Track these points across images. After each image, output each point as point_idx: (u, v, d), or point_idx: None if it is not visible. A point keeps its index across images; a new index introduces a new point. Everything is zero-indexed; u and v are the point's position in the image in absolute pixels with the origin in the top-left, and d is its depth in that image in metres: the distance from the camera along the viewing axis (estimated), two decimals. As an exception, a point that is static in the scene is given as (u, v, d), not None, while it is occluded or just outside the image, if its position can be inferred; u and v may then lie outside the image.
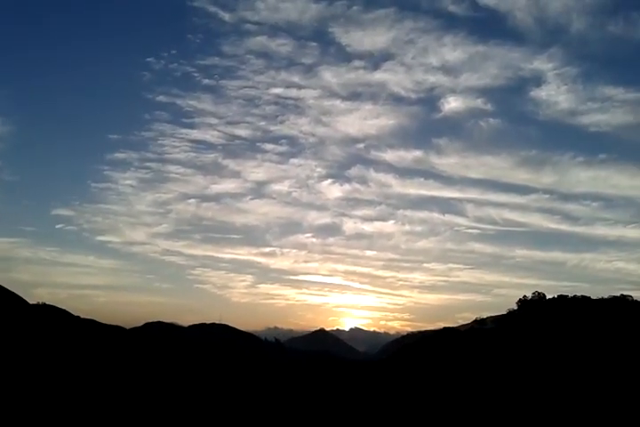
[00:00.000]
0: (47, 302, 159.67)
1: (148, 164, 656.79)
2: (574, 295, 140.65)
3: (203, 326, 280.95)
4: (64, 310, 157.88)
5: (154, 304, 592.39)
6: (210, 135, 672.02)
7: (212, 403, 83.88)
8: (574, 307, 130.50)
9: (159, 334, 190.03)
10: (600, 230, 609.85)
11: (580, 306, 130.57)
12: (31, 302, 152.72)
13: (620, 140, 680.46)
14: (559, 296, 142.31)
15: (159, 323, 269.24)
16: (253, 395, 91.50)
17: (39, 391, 72.88)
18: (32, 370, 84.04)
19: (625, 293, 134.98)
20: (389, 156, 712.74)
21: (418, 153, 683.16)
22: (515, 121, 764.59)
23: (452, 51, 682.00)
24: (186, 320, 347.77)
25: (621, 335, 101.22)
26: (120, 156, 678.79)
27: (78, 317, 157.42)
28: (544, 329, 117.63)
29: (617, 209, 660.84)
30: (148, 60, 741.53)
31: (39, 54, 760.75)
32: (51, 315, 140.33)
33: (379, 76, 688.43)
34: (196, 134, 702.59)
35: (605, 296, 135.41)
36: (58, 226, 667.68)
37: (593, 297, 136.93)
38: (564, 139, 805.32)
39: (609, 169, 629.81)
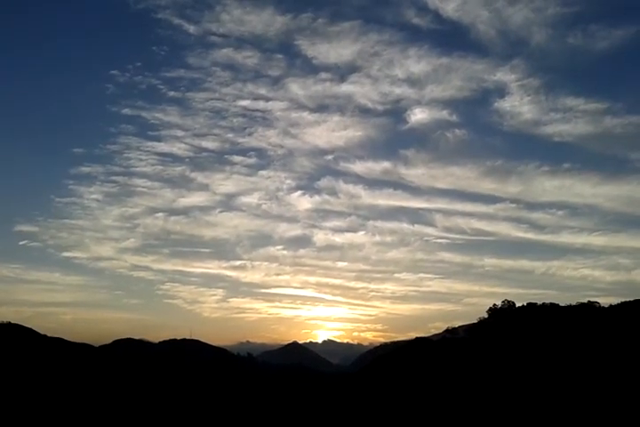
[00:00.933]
0: (12, 321, 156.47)
1: (113, 177, 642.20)
2: (543, 303, 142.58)
3: (173, 341, 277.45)
4: (30, 329, 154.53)
5: (123, 321, 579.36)
6: (177, 148, 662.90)
7: (185, 419, 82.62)
8: (543, 314, 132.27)
9: (129, 352, 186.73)
10: (566, 238, 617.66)
11: (549, 313, 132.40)
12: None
13: (582, 149, 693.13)
14: (528, 304, 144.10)
15: (128, 340, 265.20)
16: (226, 410, 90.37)
17: (8, 410, 70.95)
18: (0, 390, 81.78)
19: (592, 299, 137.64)
20: (358, 167, 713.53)
21: (386, 164, 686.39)
22: (480, 132, 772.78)
23: (417, 63, 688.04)
24: (156, 337, 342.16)
25: (589, 341, 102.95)
26: (85, 169, 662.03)
27: (45, 335, 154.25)
28: (515, 337, 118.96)
29: (582, 217, 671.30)
30: (113, 72, 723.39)
31: (0, 67, 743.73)
32: (16, 334, 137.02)
33: (345, 88, 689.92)
34: (162, 147, 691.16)
35: (573, 303, 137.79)
36: (21, 242, 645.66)
37: (561, 304, 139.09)
38: (528, 149, 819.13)
39: (573, 178, 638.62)
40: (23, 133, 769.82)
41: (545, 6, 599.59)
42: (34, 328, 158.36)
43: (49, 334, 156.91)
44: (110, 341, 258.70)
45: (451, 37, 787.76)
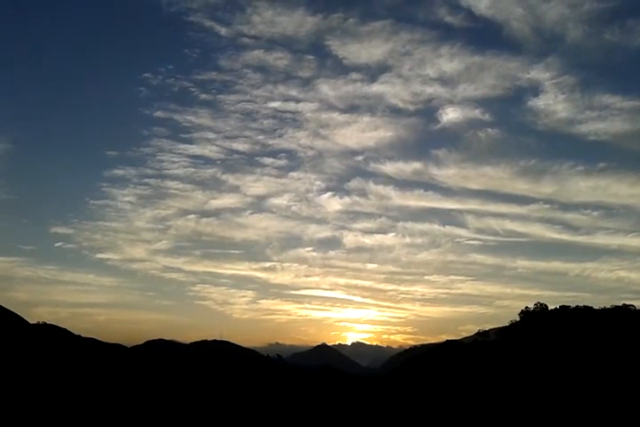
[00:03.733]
0: (47, 322, 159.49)
1: (146, 180, 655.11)
2: (576, 306, 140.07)
3: (204, 343, 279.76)
4: (65, 329, 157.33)
5: (154, 322, 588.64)
6: (208, 150, 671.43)
7: (216, 421, 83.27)
8: (577, 317, 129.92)
9: (160, 352, 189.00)
10: (601, 240, 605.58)
11: (583, 316, 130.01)
12: (31, 321, 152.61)
13: (618, 148, 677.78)
14: (561, 307, 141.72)
15: (160, 341, 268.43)
16: (257, 412, 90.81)
17: (42, 411, 72.39)
18: (34, 390, 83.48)
19: (627, 302, 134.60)
20: (388, 168, 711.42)
21: (417, 165, 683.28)
22: (513, 131, 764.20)
23: (449, 62, 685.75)
24: (187, 337, 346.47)
25: (624, 345, 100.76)
26: (118, 172, 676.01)
27: (79, 336, 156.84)
28: (547, 340, 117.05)
29: (617, 218, 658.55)
30: (145, 75, 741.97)
31: (35, 71, 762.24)
32: (51, 334, 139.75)
33: (376, 88, 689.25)
34: (194, 149, 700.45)
35: (608, 306, 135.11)
36: (57, 244, 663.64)
37: (595, 307, 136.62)
38: (562, 148, 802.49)
39: (608, 178, 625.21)
40: (58, 137, 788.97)
41: (580, 2, 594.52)
42: (68, 329, 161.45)
43: (83, 335, 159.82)
44: (142, 341, 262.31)
45: (484, 35, 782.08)
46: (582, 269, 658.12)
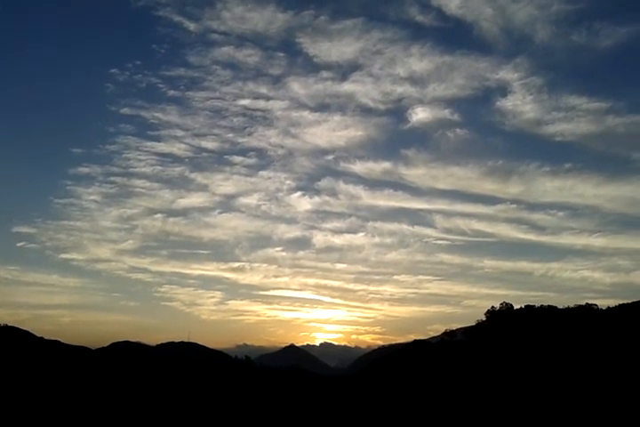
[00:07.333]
0: (9, 324, 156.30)
1: (112, 178, 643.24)
2: (541, 305, 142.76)
3: (171, 344, 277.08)
4: (27, 332, 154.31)
5: (120, 323, 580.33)
6: (176, 148, 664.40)
7: (184, 423, 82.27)
8: (541, 317, 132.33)
9: (126, 355, 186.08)
10: (566, 240, 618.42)
11: (547, 316, 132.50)
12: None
13: (584, 149, 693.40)
14: (526, 306, 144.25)
15: (126, 342, 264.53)
16: (226, 414, 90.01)
17: (3, 415, 70.50)
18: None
19: (590, 301, 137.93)
20: (358, 167, 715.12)
21: (386, 164, 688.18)
22: (481, 131, 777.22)
23: (419, 61, 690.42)
24: (154, 339, 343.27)
25: (588, 344, 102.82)
26: (83, 170, 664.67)
27: (42, 338, 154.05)
28: (512, 339, 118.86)
29: (582, 218, 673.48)
30: (112, 71, 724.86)
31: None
32: (13, 337, 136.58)
33: (347, 86, 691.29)
34: (162, 147, 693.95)
35: (571, 305, 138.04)
36: (19, 244, 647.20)
37: (559, 306, 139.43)
38: (529, 148, 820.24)
39: (574, 178, 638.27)
40: (21, 133, 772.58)
41: (549, 3, 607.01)
42: (31, 331, 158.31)
43: (46, 337, 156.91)
44: (108, 343, 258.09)
45: (454, 35, 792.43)
46: (547, 268, 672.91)
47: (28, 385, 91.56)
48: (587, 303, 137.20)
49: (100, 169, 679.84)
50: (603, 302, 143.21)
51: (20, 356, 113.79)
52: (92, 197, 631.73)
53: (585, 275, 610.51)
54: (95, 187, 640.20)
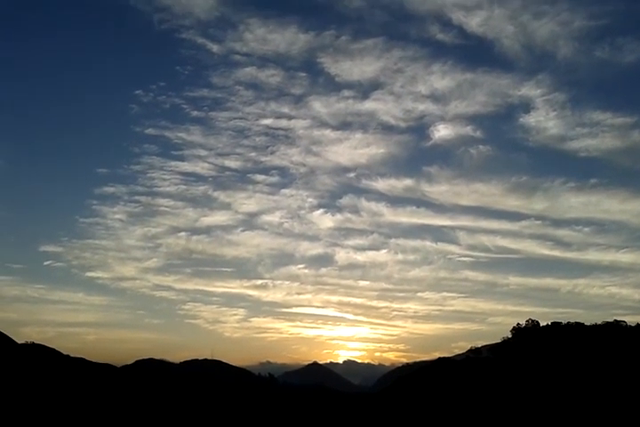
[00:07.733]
0: (35, 341, 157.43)
1: (137, 197, 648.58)
2: (568, 322, 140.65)
3: (194, 362, 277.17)
4: (53, 349, 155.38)
5: (145, 341, 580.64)
6: (200, 167, 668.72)
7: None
8: (568, 334, 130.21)
9: (150, 372, 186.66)
10: (593, 256, 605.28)
11: (574, 333, 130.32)
12: (19, 341, 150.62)
13: (609, 164, 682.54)
14: (553, 323, 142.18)
15: (150, 360, 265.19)
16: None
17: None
18: (22, 411, 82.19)
19: (618, 318, 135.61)
20: (380, 184, 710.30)
21: (409, 181, 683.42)
22: (504, 148, 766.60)
23: (441, 79, 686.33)
24: (177, 357, 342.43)
25: (615, 361, 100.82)
26: (109, 190, 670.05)
27: (68, 355, 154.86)
28: (539, 357, 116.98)
29: (609, 234, 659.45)
30: (137, 92, 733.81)
31: (25, 88, 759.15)
32: (39, 354, 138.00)
33: (368, 105, 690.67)
34: (185, 167, 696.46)
35: (599, 322, 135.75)
36: (46, 262, 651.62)
37: (587, 323, 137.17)
38: (554, 164, 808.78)
39: (600, 194, 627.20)
40: (48, 154, 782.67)
41: (571, 20, 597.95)
42: (57, 348, 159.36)
43: (72, 354, 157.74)
44: (132, 361, 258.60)
45: (475, 52, 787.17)
46: (574, 285, 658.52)
47: (55, 402, 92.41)
48: (615, 320, 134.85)
49: (125, 189, 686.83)
50: (631, 319, 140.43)
51: (47, 373, 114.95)
52: (117, 216, 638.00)
53: (612, 291, 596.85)
54: (120, 206, 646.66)
